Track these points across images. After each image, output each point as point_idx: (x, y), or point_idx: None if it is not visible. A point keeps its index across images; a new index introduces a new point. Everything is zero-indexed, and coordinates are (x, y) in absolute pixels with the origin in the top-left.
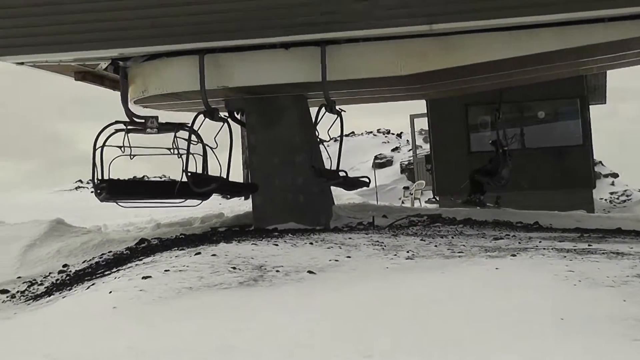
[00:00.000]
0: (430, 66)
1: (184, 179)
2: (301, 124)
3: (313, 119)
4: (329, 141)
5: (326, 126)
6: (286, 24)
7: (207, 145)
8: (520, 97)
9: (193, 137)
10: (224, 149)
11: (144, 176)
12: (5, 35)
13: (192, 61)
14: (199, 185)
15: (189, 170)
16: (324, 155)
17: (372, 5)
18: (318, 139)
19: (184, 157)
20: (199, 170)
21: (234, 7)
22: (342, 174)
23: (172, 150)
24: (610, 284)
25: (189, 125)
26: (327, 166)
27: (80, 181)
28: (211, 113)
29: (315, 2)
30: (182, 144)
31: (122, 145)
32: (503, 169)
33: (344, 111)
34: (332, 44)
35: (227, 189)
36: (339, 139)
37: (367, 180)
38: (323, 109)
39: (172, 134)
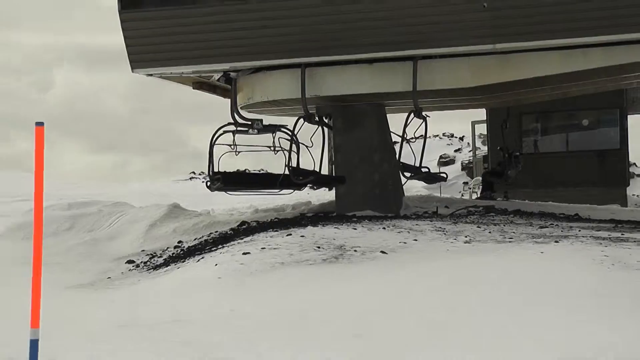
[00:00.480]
0: (492, 80)
1: (284, 172)
2: (379, 128)
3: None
4: (411, 141)
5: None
6: (377, 42)
7: (303, 144)
8: (568, 107)
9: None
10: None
11: (245, 169)
12: (140, 51)
13: (290, 74)
14: (298, 177)
15: (290, 165)
16: (406, 153)
17: (449, 27)
18: (406, 140)
19: (286, 153)
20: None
21: (332, 28)
22: (424, 170)
23: (271, 148)
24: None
25: (287, 127)
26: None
27: (193, 173)
28: (309, 117)
29: (404, 24)
30: (277, 143)
31: (231, 143)
32: (510, 170)
33: (429, 116)
34: (408, 59)
35: (320, 180)
36: (413, 140)
37: (445, 176)
38: (411, 115)
39: (270, 134)
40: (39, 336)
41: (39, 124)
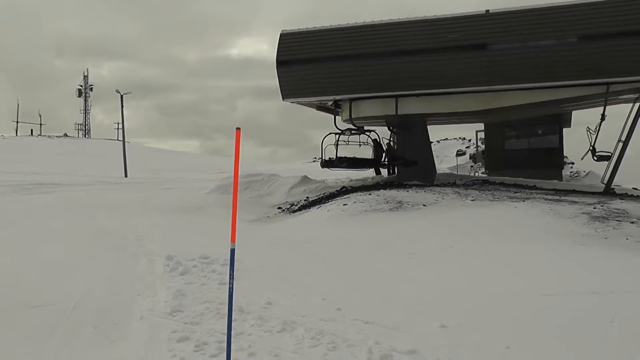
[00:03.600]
0: (487, 106)
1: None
2: (422, 133)
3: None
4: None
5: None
6: (430, 84)
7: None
8: (531, 122)
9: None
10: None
11: (344, 156)
12: (287, 89)
13: (374, 101)
14: (392, 160)
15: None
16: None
17: (459, 75)
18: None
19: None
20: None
21: (408, 77)
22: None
23: (359, 144)
24: (569, 216)
25: (371, 131)
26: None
27: (315, 158)
28: (391, 126)
29: (444, 73)
30: (363, 141)
31: (335, 142)
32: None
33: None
34: (448, 94)
35: (404, 163)
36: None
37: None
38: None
39: (358, 135)
40: (235, 247)
41: (238, 128)
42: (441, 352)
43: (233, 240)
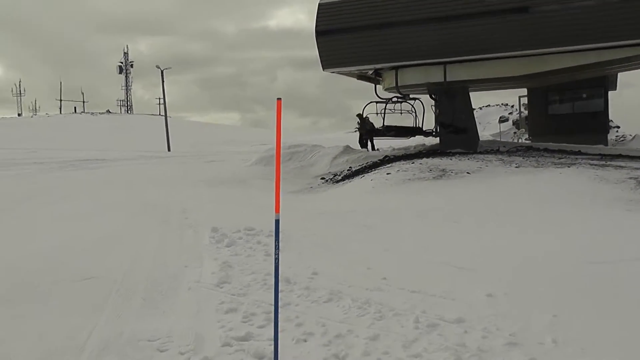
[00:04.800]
0: (530, 71)
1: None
2: (464, 100)
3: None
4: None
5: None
6: (476, 49)
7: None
8: (575, 86)
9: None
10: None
11: (384, 125)
12: (327, 58)
13: (414, 69)
14: (444, 128)
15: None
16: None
17: (505, 39)
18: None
19: (412, 115)
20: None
21: (453, 42)
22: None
23: (401, 113)
24: (615, 182)
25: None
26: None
27: (356, 128)
28: (433, 94)
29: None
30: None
31: (375, 111)
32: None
33: None
34: (494, 59)
35: (455, 131)
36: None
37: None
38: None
39: (400, 104)
40: (280, 217)
41: (279, 99)
42: (488, 321)
43: (277, 211)
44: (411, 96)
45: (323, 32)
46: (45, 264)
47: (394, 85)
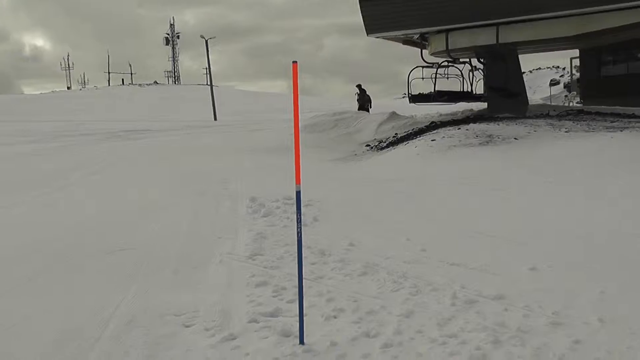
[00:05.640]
0: (583, 30)
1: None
2: (514, 64)
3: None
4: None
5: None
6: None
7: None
8: (629, 46)
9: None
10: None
11: (430, 91)
12: (372, 23)
13: (460, 32)
14: (498, 91)
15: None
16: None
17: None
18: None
19: (460, 80)
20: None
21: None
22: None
23: (447, 77)
24: None
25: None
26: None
27: (404, 94)
28: (481, 57)
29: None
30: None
31: (421, 76)
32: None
33: None
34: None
35: (507, 94)
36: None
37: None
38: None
39: (446, 68)
40: (303, 188)
41: (294, 62)
42: (530, 297)
43: (298, 182)
44: (460, 60)
45: None
46: (81, 235)
47: (442, 49)
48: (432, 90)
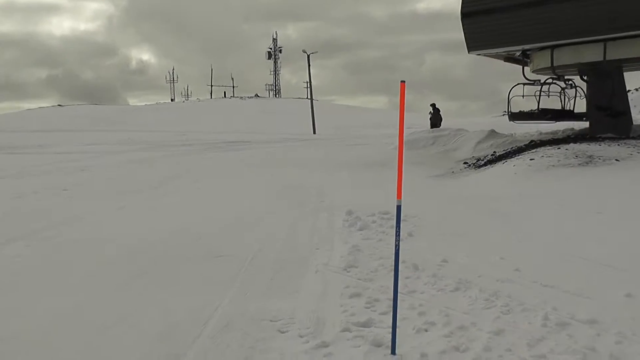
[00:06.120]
0: None
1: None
2: (621, 82)
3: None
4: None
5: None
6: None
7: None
8: None
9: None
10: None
11: (531, 109)
12: (473, 41)
13: (564, 49)
14: (575, 114)
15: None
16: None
17: None
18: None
19: (565, 98)
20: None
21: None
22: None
23: (548, 95)
24: None
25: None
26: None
27: (504, 112)
28: (584, 74)
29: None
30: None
31: (522, 93)
32: None
33: None
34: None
35: (612, 114)
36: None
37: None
38: None
39: (547, 86)
40: (402, 203)
41: (403, 81)
42: (625, 324)
43: (399, 196)
44: (565, 77)
45: (469, 14)
46: (184, 240)
47: (545, 66)
48: (535, 108)
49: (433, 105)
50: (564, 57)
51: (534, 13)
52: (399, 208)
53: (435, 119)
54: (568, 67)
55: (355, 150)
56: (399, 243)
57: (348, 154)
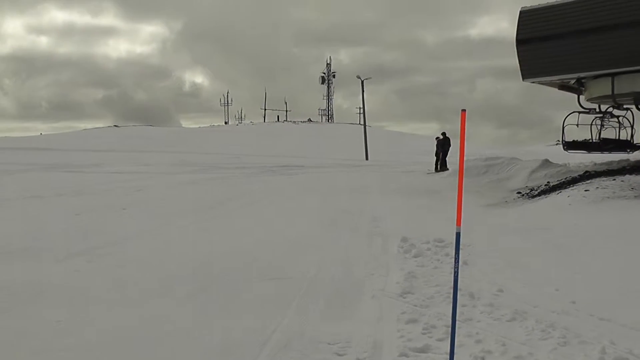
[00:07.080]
0: None
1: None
2: None
3: None
4: None
5: None
6: None
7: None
8: None
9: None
10: None
11: (586, 138)
12: (528, 68)
13: (624, 76)
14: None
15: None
16: None
17: None
18: None
19: (617, 129)
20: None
21: None
22: None
23: (604, 126)
24: None
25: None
26: None
27: (557, 141)
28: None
29: None
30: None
31: (576, 122)
32: None
33: None
34: None
35: None
36: None
37: None
38: None
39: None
40: (461, 230)
41: (463, 110)
42: None
43: (459, 224)
44: (625, 106)
45: (524, 41)
46: (239, 261)
47: (601, 94)
48: (591, 138)
49: (444, 134)
50: (621, 85)
51: (592, 40)
52: (458, 235)
53: (444, 150)
54: (625, 96)
55: (408, 176)
56: (457, 270)
57: (399, 180)
